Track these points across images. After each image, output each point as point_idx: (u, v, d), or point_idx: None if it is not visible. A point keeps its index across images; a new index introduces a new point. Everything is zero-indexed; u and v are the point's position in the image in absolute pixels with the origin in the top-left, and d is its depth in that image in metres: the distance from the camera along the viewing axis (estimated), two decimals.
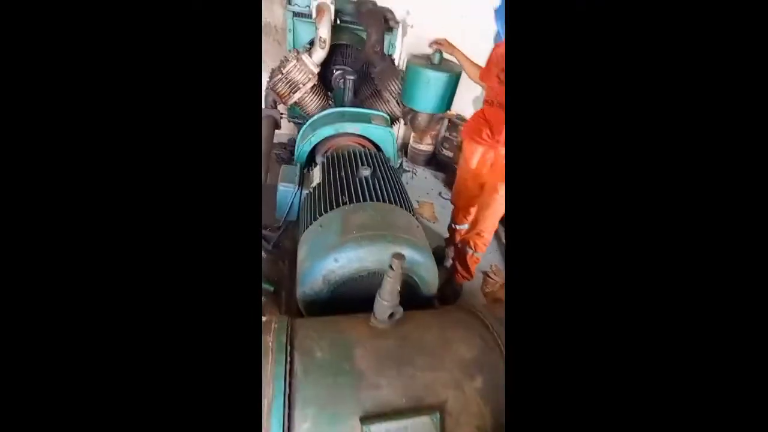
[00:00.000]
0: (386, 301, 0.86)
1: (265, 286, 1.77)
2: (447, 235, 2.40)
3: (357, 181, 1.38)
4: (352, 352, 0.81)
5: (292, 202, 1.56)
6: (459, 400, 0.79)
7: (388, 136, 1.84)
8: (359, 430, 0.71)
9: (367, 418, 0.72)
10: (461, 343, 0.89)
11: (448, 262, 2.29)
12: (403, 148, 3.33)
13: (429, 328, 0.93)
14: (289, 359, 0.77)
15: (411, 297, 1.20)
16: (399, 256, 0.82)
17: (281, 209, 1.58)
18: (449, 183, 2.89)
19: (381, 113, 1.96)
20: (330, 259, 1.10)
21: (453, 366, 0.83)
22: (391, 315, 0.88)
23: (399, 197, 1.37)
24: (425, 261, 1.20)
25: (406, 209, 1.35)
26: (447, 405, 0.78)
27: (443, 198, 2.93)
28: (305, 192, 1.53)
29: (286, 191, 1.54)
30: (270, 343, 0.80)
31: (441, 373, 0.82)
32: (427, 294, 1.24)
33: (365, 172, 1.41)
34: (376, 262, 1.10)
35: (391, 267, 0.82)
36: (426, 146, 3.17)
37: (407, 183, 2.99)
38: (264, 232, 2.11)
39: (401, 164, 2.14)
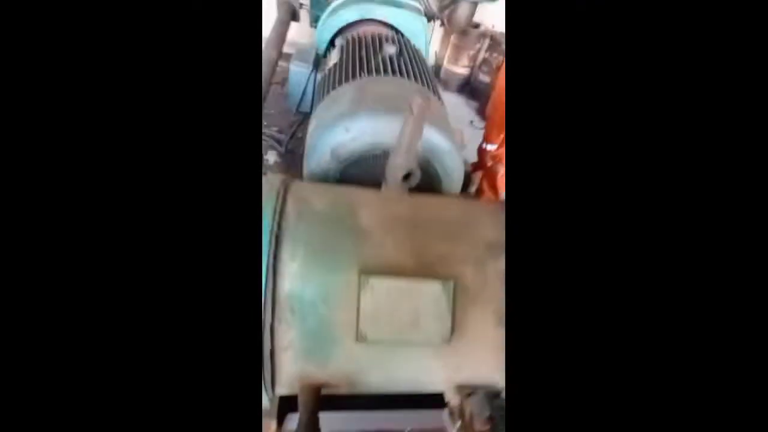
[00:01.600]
0: (401, 156, 0.71)
1: None
2: (475, 159, 2.20)
3: (380, 60, 1.19)
4: (357, 211, 0.69)
5: (305, 88, 1.39)
6: (478, 279, 0.67)
7: (419, 27, 1.59)
8: (356, 282, 0.60)
9: (368, 272, 0.61)
10: (488, 224, 0.75)
11: (473, 188, 2.12)
12: (435, 72, 3.01)
13: (450, 206, 0.79)
14: (280, 200, 0.65)
15: (432, 191, 1.06)
16: (423, 95, 0.65)
17: (293, 95, 1.41)
18: (483, 112, 2.62)
19: (413, 1, 1.69)
20: (340, 128, 0.95)
21: (475, 242, 0.70)
22: (407, 177, 0.73)
23: (427, 79, 1.17)
24: (450, 149, 1.03)
25: (435, 95, 1.16)
26: (463, 279, 0.66)
27: (474, 127, 2.67)
28: (320, 76, 1.36)
29: (298, 72, 1.37)
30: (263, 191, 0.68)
31: (461, 247, 0.69)
32: (449, 189, 1.09)
33: (390, 49, 1.21)
34: (394, 139, 0.94)
35: (410, 110, 0.66)
36: (462, 68, 2.85)
37: None
38: (275, 134, 1.99)
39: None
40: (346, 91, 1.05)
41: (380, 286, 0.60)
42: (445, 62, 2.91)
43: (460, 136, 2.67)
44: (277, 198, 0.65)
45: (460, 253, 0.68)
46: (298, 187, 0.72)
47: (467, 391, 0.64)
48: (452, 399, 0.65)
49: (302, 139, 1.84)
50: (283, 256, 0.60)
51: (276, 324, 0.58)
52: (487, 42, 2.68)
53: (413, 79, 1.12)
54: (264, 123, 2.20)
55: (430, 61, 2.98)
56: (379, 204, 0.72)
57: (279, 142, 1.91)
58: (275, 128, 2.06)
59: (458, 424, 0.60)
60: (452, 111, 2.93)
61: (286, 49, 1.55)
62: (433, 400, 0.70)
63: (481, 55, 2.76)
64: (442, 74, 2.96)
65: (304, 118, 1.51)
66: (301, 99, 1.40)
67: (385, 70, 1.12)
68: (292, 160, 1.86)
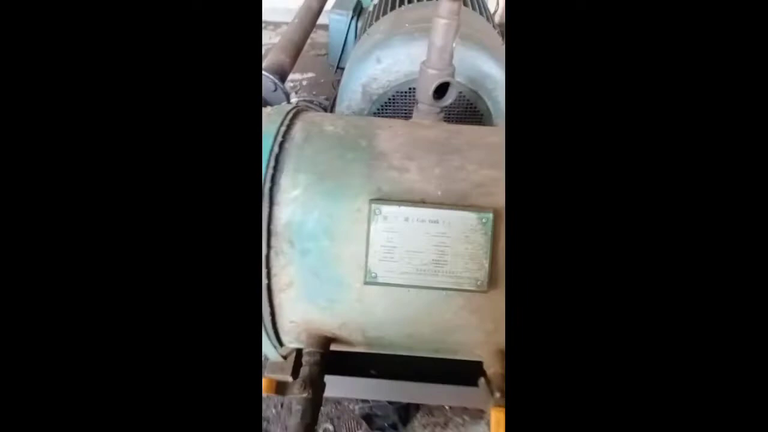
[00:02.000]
0: (432, 64, 0.56)
1: None
2: None
3: None
4: (375, 133, 0.57)
5: (346, 38, 1.29)
6: None
7: None
8: (366, 211, 0.48)
9: (380, 199, 0.49)
10: None
11: None
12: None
13: (496, 131, 0.63)
14: (287, 121, 0.56)
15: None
16: None
17: (334, 48, 1.32)
18: None
19: None
20: (371, 59, 0.83)
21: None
22: (442, 89, 0.58)
23: (478, 5, 0.99)
24: (502, 78, 0.85)
25: (488, 21, 0.97)
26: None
27: None
28: (360, 24, 1.24)
29: (339, 20, 1.26)
30: (270, 111, 0.60)
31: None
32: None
33: None
34: None
35: (440, 15, 0.51)
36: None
37: None
38: (322, 101, 1.94)
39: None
40: (382, 22, 0.92)
41: (396, 216, 0.47)
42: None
43: None
44: (284, 119, 0.56)
45: (503, 179, 0.52)
46: (314, 114, 0.62)
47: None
48: (490, 366, 0.51)
49: None
50: (283, 180, 0.50)
51: (273, 257, 0.49)
52: None
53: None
54: (313, 92, 2.17)
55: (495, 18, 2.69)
56: (404, 127, 0.59)
57: (324, 109, 1.86)
58: (323, 96, 2.01)
59: (496, 395, 0.46)
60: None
61: None
62: (466, 368, 0.56)
63: None
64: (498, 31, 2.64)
65: None
66: (342, 53, 1.31)
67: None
68: None
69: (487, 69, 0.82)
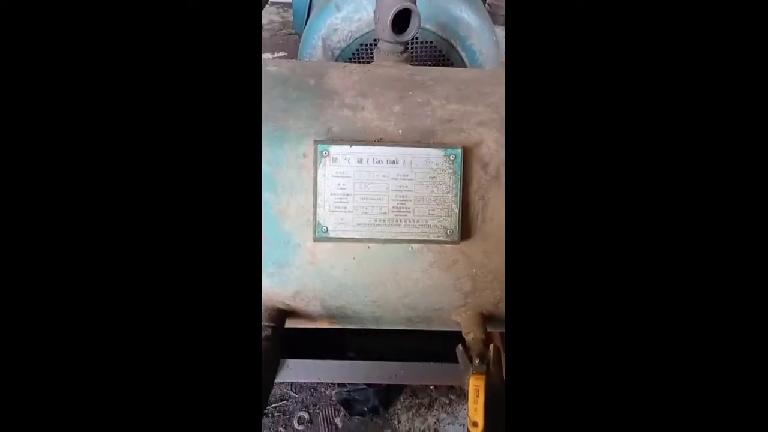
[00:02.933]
0: None
1: None
2: None
3: None
4: (326, 72, 0.48)
5: (311, 2, 1.19)
6: (503, 147, 0.43)
7: None
8: (312, 156, 0.40)
9: (328, 140, 0.41)
10: None
11: None
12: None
13: (472, 70, 0.55)
14: None
15: None
16: None
17: (299, 15, 1.22)
18: None
19: None
20: (330, 8, 0.74)
21: (501, 103, 0.46)
22: (401, 19, 0.50)
23: None
24: (481, 25, 0.77)
25: None
26: (479, 148, 0.43)
27: None
28: None
29: None
30: None
31: (479, 107, 0.46)
32: None
33: None
34: None
35: None
36: None
37: None
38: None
39: None
40: None
41: (347, 157, 0.40)
42: None
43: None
44: None
45: (476, 114, 0.45)
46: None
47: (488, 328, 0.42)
48: (469, 332, 0.44)
49: None
50: None
51: None
52: None
53: None
54: None
55: None
56: (361, 67, 0.51)
57: None
58: None
59: (476, 362, 0.39)
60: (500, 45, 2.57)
61: None
62: (449, 344, 0.49)
63: None
64: (486, 6, 2.55)
65: None
66: (307, 18, 1.20)
67: None
68: None
69: (458, 13, 0.74)
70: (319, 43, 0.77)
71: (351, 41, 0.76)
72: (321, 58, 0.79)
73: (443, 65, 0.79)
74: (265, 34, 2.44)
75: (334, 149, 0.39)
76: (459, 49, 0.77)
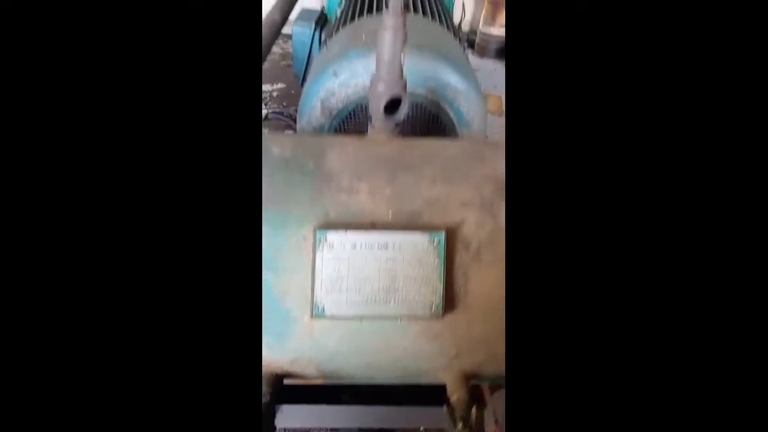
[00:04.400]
0: (382, 79, 0.54)
1: None
2: None
3: (385, 3, 1.02)
4: (325, 153, 0.54)
5: (310, 50, 1.26)
6: (484, 227, 0.48)
7: None
8: (311, 239, 0.45)
9: (326, 226, 0.45)
10: (500, 158, 0.55)
11: None
12: (469, 42, 2.72)
13: (456, 144, 0.61)
14: None
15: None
16: None
17: (298, 60, 1.29)
18: None
19: None
20: (328, 73, 0.80)
21: (484, 182, 0.51)
22: (392, 106, 0.56)
23: (441, 16, 0.98)
24: (467, 87, 0.83)
25: (449, 31, 0.96)
26: (461, 229, 0.48)
27: None
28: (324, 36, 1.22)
29: (301, 32, 1.24)
30: None
31: (462, 188, 0.51)
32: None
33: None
34: None
35: (386, 6, 0.49)
36: (499, 29, 2.54)
37: None
38: (291, 112, 1.91)
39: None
40: (341, 35, 0.90)
41: (342, 243, 0.44)
42: (480, 24, 2.62)
43: (499, 104, 2.37)
44: None
45: (459, 195, 0.50)
46: (265, 136, 0.59)
47: (472, 381, 0.46)
48: (454, 392, 0.48)
49: None
50: None
51: None
52: None
53: (422, 14, 0.94)
54: (284, 103, 2.14)
55: (464, 26, 2.72)
56: (355, 146, 0.57)
57: (292, 117, 1.83)
58: (293, 107, 1.98)
59: (459, 426, 0.43)
60: (490, 77, 2.66)
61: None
62: (431, 394, 0.53)
63: None
64: (477, 39, 2.67)
65: None
66: (307, 66, 1.28)
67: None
68: None
69: (446, 78, 0.81)
70: (318, 105, 0.83)
71: (347, 103, 0.82)
72: (320, 116, 0.85)
73: (434, 123, 0.85)
74: (265, 65, 2.53)
75: (331, 236, 0.44)
76: (447, 110, 0.83)
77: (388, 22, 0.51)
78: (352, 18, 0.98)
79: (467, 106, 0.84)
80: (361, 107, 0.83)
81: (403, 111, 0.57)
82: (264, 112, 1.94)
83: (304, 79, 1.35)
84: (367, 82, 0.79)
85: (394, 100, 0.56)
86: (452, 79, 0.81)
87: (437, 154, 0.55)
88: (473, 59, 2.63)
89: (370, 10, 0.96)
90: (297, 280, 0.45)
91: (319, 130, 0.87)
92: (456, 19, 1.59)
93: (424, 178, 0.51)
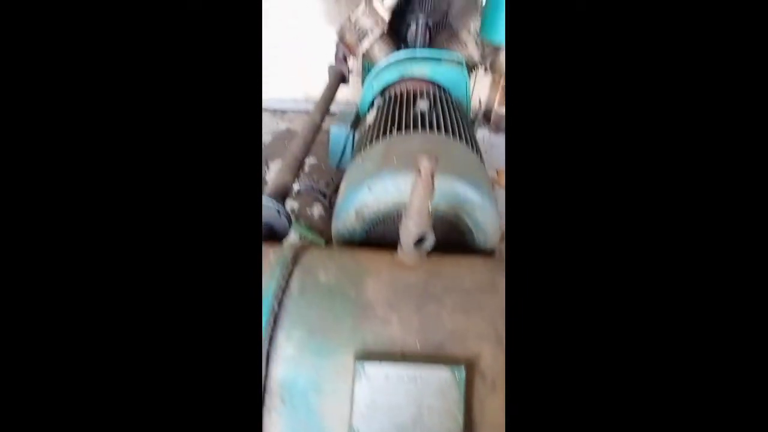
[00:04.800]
0: (412, 220, 0.66)
1: (316, 238, 1.72)
2: None
3: (412, 116, 1.19)
4: (363, 281, 0.64)
5: (345, 147, 1.45)
6: (499, 360, 0.56)
7: (460, 78, 1.59)
8: (351, 367, 0.53)
9: (364, 356, 0.54)
10: None
11: None
12: (485, 116, 2.97)
13: (473, 269, 0.71)
14: (286, 275, 0.64)
15: (462, 249, 0.97)
16: (429, 157, 0.61)
17: (334, 155, 1.48)
18: None
19: (454, 54, 1.71)
20: (363, 188, 0.94)
21: (498, 315, 0.60)
22: (420, 242, 0.68)
23: (460, 131, 1.13)
24: (482, 201, 0.95)
25: (467, 145, 1.11)
26: (480, 362, 0.55)
27: None
28: (358, 135, 1.41)
29: (338, 133, 1.43)
30: (272, 257, 0.68)
31: (479, 320, 0.59)
32: (483, 246, 0.99)
33: (422, 105, 1.21)
34: None
35: (418, 172, 0.62)
36: None
37: (485, 152, 2.65)
38: (323, 188, 2.08)
39: (475, 119, 1.86)
40: (374, 151, 1.06)
41: (377, 374, 0.53)
42: (495, 105, 2.85)
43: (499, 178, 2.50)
44: (283, 272, 0.64)
45: (476, 327, 0.58)
46: (310, 257, 0.71)
47: None
48: None
49: None
50: (280, 337, 0.57)
51: (265, 414, 0.53)
52: None
53: (444, 131, 1.10)
54: (314, 177, 2.33)
55: (480, 106, 2.97)
56: (389, 272, 0.67)
57: (324, 195, 1.99)
58: (323, 181, 2.17)
59: None
60: (502, 152, 2.82)
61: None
62: None
63: None
64: (492, 117, 2.90)
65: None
66: (341, 158, 1.46)
67: (415, 126, 1.11)
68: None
69: (464, 194, 0.93)
70: (353, 213, 0.96)
71: (378, 214, 0.95)
72: (354, 221, 0.98)
73: (455, 230, 0.96)
74: (267, 137, 2.78)
75: (369, 367, 0.53)
76: (466, 219, 0.94)
77: (420, 179, 0.64)
78: (384, 132, 1.15)
79: (483, 216, 0.95)
80: (390, 217, 0.95)
81: (428, 244, 0.68)
82: (296, 187, 2.13)
83: (338, 169, 1.52)
84: (396, 199, 0.92)
85: (421, 237, 0.67)
86: (469, 194, 0.93)
87: (457, 285, 0.65)
88: (489, 135, 2.83)
89: (399, 128, 1.12)
90: (336, 404, 0.53)
91: (351, 232, 0.99)
92: (474, 103, 1.77)
93: (446, 309, 0.60)
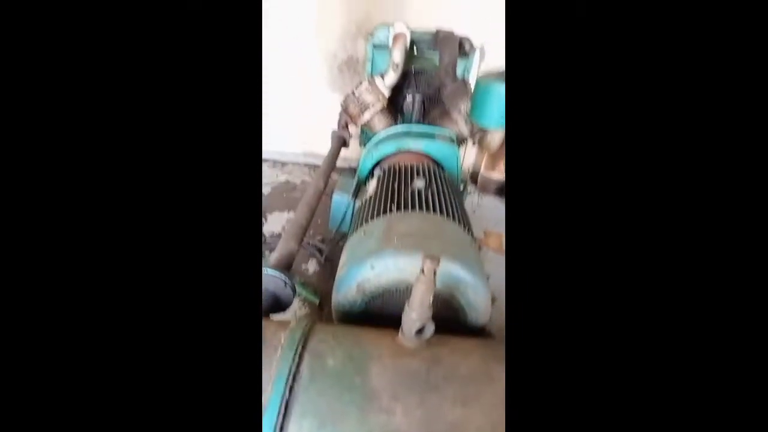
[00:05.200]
0: (414, 312, 0.73)
1: (311, 297, 1.75)
2: None
3: (409, 192, 1.31)
4: (368, 367, 0.70)
5: (345, 213, 1.54)
6: None
7: (451, 153, 1.75)
8: None
9: None
10: None
11: None
12: (473, 177, 3.17)
13: (468, 356, 0.77)
14: (297, 360, 0.69)
15: (455, 325, 1.04)
16: (432, 258, 0.70)
17: (334, 220, 1.57)
18: None
19: (446, 131, 1.89)
20: (366, 265, 1.02)
21: (493, 405, 0.65)
22: (420, 331, 0.74)
23: (453, 210, 1.25)
24: (475, 281, 1.03)
25: (460, 225, 1.22)
26: None
27: None
28: (359, 204, 1.51)
29: (340, 200, 1.54)
30: (282, 340, 0.73)
31: (475, 410, 0.65)
32: (475, 323, 1.06)
33: (419, 183, 1.33)
34: (416, 275, 0.98)
35: (422, 270, 0.71)
36: (499, 174, 2.97)
37: (473, 212, 2.80)
38: (318, 244, 2.15)
39: (465, 187, 2.01)
40: (375, 227, 1.15)
41: None
42: (482, 169, 3.07)
43: (500, 242, 2.62)
44: (294, 355, 0.69)
45: (474, 419, 0.64)
46: (318, 340, 0.75)
47: None
48: None
49: (341, 246, 1.95)
50: (290, 427, 0.61)
51: None
52: None
53: (439, 212, 1.21)
54: (310, 232, 2.40)
55: (468, 170, 3.18)
56: (391, 358, 0.73)
57: (320, 251, 2.05)
58: (318, 237, 2.24)
59: None
60: (491, 213, 2.97)
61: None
62: None
63: None
64: (479, 180, 3.10)
65: (344, 237, 1.64)
66: (341, 223, 1.55)
67: (413, 205, 1.22)
68: (331, 270, 1.96)
69: (456, 274, 1.01)
70: (355, 287, 1.03)
71: (379, 288, 1.02)
72: (355, 294, 1.04)
73: (450, 307, 1.03)
74: (266, 188, 2.89)
75: None
76: (459, 297, 1.02)
77: (424, 277, 0.72)
78: (383, 206, 1.25)
79: (475, 295, 1.03)
80: (389, 291, 1.02)
81: (428, 333, 0.75)
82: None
83: (337, 230, 1.61)
84: (396, 276, 1.00)
85: (422, 327, 0.74)
86: (461, 274, 1.02)
87: (455, 374, 0.71)
88: (477, 198, 3.00)
89: (398, 206, 1.23)
90: None
91: (351, 304, 1.05)
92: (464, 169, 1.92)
93: (447, 400, 0.66)
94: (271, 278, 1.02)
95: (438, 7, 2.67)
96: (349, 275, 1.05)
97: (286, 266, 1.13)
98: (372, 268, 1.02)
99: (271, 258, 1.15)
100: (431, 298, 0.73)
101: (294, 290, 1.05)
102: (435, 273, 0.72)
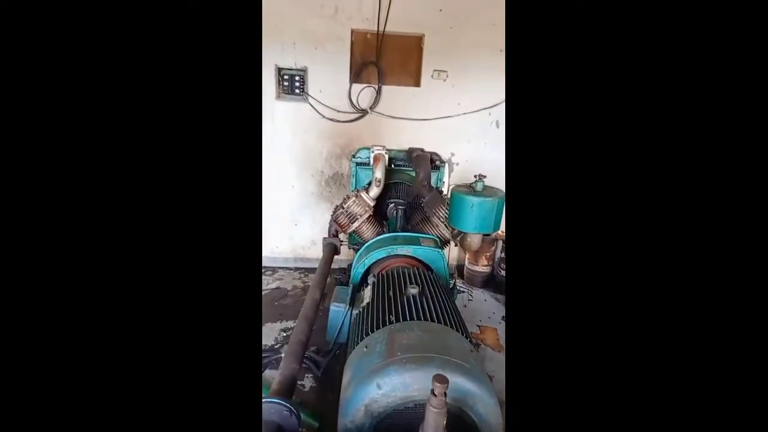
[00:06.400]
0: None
1: (309, 420, 1.64)
2: None
3: (405, 300, 1.37)
4: None
5: (342, 323, 1.56)
6: None
7: (437, 256, 1.87)
8: None
9: None
10: None
11: None
12: (459, 270, 3.29)
13: None
14: None
15: None
16: (441, 379, 0.74)
17: (332, 330, 1.58)
18: None
19: (430, 236, 2.06)
20: (373, 385, 1.02)
21: None
22: None
23: (449, 317, 1.30)
24: (482, 393, 1.04)
25: (458, 330, 1.26)
26: None
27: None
28: (355, 312, 1.54)
29: (337, 311, 1.57)
30: None
31: None
32: None
33: (413, 290, 1.41)
34: (423, 391, 0.98)
35: (433, 393, 0.74)
36: (482, 267, 3.10)
37: (465, 306, 2.83)
38: (314, 356, 2.07)
39: (454, 285, 2.09)
40: (377, 341, 1.18)
41: None
42: (466, 263, 3.20)
43: (496, 337, 2.62)
44: None
45: None
46: None
47: None
48: None
49: (339, 357, 1.88)
50: None
51: None
52: (500, 244, 3.02)
53: (437, 321, 1.26)
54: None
55: (454, 263, 3.32)
56: None
57: (317, 364, 1.98)
58: (313, 348, 2.16)
59: None
60: (481, 306, 3.00)
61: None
62: None
63: (498, 254, 3.05)
64: (465, 273, 3.21)
65: (341, 347, 1.63)
66: (338, 333, 1.56)
67: (411, 315, 1.27)
68: (330, 385, 1.86)
69: (463, 387, 1.03)
70: (362, 408, 1.02)
71: (387, 408, 1.01)
72: (363, 417, 1.02)
73: (461, 423, 1.01)
74: (296, 304, 2.89)
75: None
76: (469, 412, 1.02)
77: (434, 400, 0.75)
78: (381, 317, 1.30)
79: (484, 407, 1.03)
80: (398, 411, 1.01)
81: None
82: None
83: (335, 342, 1.60)
84: (404, 394, 1.00)
85: None
86: (467, 386, 1.03)
87: None
88: (467, 294, 3.06)
89: (396, 317, 1.28)
90: None
91: (359, 427, 1.02)
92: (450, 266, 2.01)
93: None
94: (274, 407, 0.99)
95: (404, 132, 3.16)
96: (355, 397, 1.04)
97: (289, 391, 1.11)
98: (379, 387, 1.02)
99: (273, 383, 1.12)
100: (445, 421, 0.74)
101: (299, 418, 1.01)
102: (446, 394, 0.75)
